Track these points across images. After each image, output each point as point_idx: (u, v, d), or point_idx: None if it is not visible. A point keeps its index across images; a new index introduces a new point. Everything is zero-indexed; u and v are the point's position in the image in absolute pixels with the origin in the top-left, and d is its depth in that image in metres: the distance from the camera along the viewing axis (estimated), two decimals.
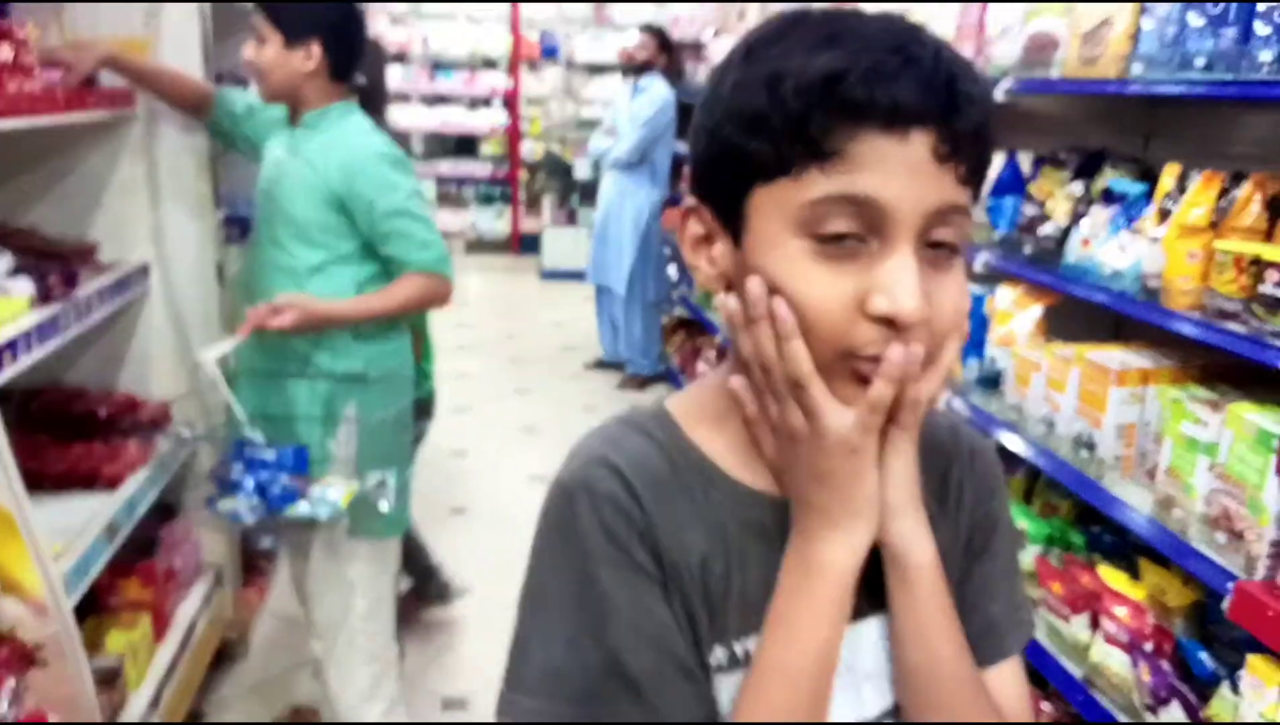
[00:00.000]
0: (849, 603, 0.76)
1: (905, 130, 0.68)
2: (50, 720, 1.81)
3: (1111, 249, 2.10)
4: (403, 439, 2.42)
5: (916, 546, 0.78)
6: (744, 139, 0.71)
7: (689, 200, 0.79)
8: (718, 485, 0.81)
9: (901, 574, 0.78)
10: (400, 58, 9.66)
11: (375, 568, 2.36)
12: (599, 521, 0.76)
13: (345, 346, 2.25)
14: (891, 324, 0.69)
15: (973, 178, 0.72)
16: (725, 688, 0.79)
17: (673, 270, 6.28)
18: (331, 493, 2.14)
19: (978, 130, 0.70)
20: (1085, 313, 2.32)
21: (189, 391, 2.66)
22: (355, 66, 2.31)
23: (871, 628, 0.83)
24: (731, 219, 0.75)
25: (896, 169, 0.68)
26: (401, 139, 2.64)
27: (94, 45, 2.36)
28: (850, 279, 0.70)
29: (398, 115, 8.67)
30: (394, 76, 9.13)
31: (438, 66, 9.97)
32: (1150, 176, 2.25)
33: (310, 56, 2.20)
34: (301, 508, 2.12)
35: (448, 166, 9.98)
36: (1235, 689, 1.71)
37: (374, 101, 2.37)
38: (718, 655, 0.79)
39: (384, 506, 2.24)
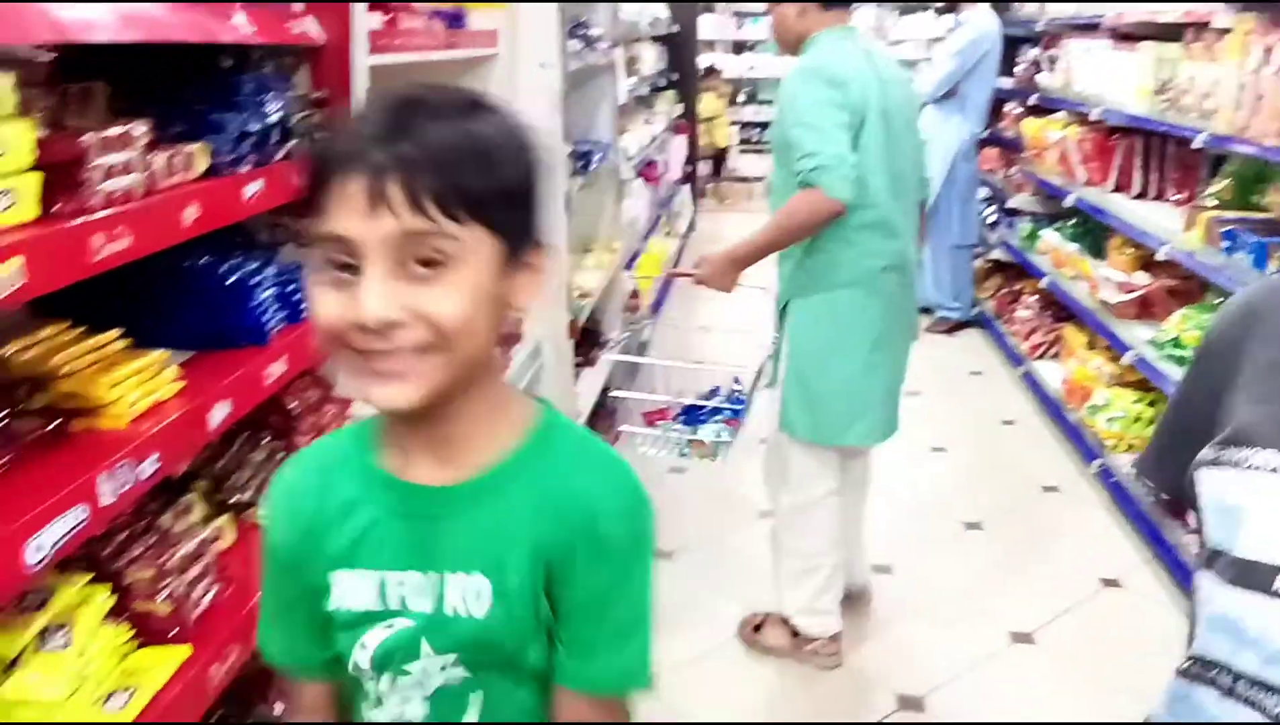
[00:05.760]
0: None
1: None
2: None
3: None
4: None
5: None
6: None
7: None
8: None
9: None
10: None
11: (806, 471, 2.50)
12: None
13: (787, 273, 2.43)
14: None
15: None
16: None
17: (990, 211, 5.96)
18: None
19: None
20: None
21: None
22: None
23: None
24: None
25: None
26: None
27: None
28: None
29: (705, 62, 8.79)
30: (705, 25, 9.26)
31: (742, 14, 10.02)
32: None
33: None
34: (703, 432, 2.48)
35: (750, 112, 10.06)
36: None
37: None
38: None
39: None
